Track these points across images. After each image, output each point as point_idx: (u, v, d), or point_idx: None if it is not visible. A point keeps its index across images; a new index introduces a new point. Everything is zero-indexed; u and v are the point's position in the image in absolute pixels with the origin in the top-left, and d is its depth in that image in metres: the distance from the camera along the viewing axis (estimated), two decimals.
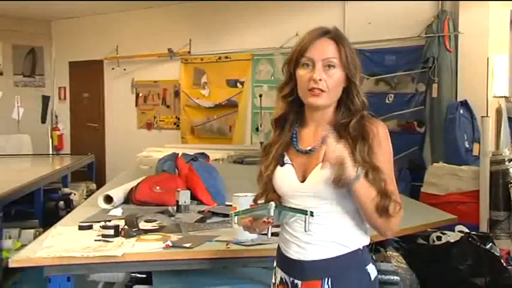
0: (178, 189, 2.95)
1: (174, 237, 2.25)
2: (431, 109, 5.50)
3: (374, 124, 1.52)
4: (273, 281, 1.65)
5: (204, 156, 4.33)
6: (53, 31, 9.06)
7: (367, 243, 1.57)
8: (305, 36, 1.56)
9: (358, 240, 1.54)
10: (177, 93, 7.85)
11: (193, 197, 3.05)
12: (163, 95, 8.01)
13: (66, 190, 5.82)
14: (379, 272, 2.81)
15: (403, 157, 5.35)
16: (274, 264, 1.65)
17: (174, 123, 7.95)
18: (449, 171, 4.80)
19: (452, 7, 5.39)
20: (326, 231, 1.51)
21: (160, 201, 2.99)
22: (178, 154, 3.87)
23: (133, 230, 2.29)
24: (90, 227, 2.42)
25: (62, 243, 2.17)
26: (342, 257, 1.50)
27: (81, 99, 8.92)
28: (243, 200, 2.12)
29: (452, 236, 3.54)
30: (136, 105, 8.27)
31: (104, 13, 8.27)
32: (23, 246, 3.63)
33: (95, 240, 2.21)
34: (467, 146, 5.08)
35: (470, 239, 3.33)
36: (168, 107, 8.01)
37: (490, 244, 3.34)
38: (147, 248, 2.12)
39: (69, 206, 5.35)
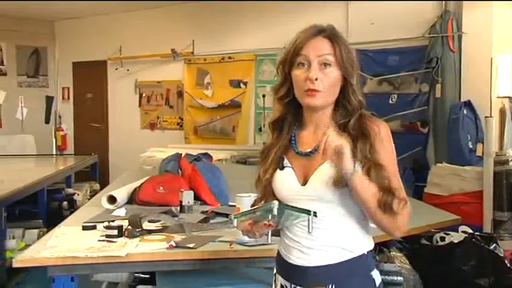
0: (182, 190, 2.95)
1: (178, 237, 2.26)
2: (434, 109, 5.49)
3: (375, 123, 1.47)
4: None
5: (207, 156, 4.34)
6: (57, 32, 9.08)
7: (372, 248, 1.52)
8: (299, 35, 1.51)
9: (363, 245, 1.49)
10: (180, 94, 7.85)
11: (197, 197, 3.06)
12: (167, 95, 8.02)
13: (70, 190, 5.83)
14: (383, 272, 2.82)
15: (406, 157, 5.34)
16: (274, 271, 1.60)
17: (177, 124, 7.95)
18: (452, 172, 4.80)
19: (455, 7, 5.38)
20: (329, 235, 1.46)
21: (163, 202, 2.99)
22: (181, 154, 3.88)
23: (137, 230, 2.30)
24: (93, 227, 2.42)
25: (65, 243, 2.18)
26: (346, 263, 1.45)
27: (84, 100, 8.93)
28: (246, 200, 2.12)
29: (455, 237, 3.54)
30: (140, 105, 8.29)
31: (107, 14, 8.28)
32: (27, 246, 3.66)
33: (99, 241, 2.22)
34: (470, 146, 5.07)
35: (473, 239, 3.33)
36: (171, 107, 8.02)
37: (494, 245, 3.33)
38: (150, 248, 2.12)
39: (73, 206, 5.37)
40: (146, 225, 2.41)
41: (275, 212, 1.35)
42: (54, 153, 8.55)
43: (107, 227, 2.31)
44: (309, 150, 1.51)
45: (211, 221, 2.63)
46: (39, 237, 4.11)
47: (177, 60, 7.69)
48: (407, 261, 3.14)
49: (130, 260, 2.05)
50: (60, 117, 9.10)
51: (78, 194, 5.78)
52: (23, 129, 8.29)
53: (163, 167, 3.73)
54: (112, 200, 2.94)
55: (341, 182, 1.41)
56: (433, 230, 3.45)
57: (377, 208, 1.40)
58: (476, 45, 5.18)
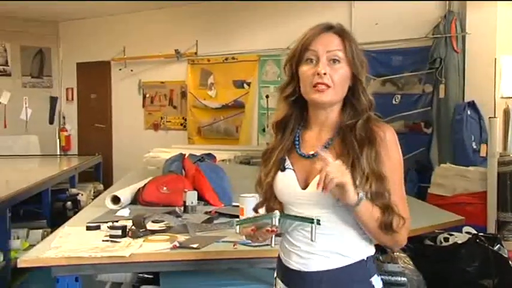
0: (186, 190, 2.96)
1: (182, 237, 2.26)
2: (438, 110, 5.48)
3: (381, 128, 1.43)
4: None
5: (211, 156, 4.35)
6: (61, 32, 9.10)
7: (372, 253, 1.48)
8: (308, 31, 1.47)
9: (363, 250, 1.46)
10: (183, 94, 7.86)
11: (200, 198, 3.06)
12: (170, 95, 8.03)
13: (74, 190, 5.84)
14: (386, 273, 2.81)
15: (410, 158, 5.33)
16: (275, 275, 1.58)
17: (181, 124, 7.96)
18: (456, 172, 4.79)
19: (459, 7, 5.37)
20: (328, 241, 1.42)
21: (167, 202, 2.99)
22: (185, 155, 3.88)
23: (141, 230, 2.30)
24: (97, 228, 2.43)
25: (69, 243, 2.18)
26: (345, 269, 1.42)
27: (88, 100, 8.95)
28: (250, 201, 2.13)
29: (459, 237, 3.52)
30: (143, 106, 8.30)
31: (111, 15, 8.30)
32: (31, 246, 3.67)
33: (103, 241, 2.22)
34: (474, 147, 5.06)
35: (477, 240, 3.32)
36: (175, 107, 8.03)
37: (498, 245, 3.32)
38: (154, 248, 2.13)
39: (77, 207, 5.38)
40: (150, 226, 2.41)
41: (276, 222, 1.35)
42: (58, 153, 8.57)
43: (111, 227, 2.32)
44: (311, 152, 1.46)
45: (215, 222, 2.63)
46: (43, 237, 4.13)
47: (180, 60, 7.70)
48: (411, 262, 3.13)
49: (134, 260, 2.05)
50: (64, 117, 9.12)
51: (82, 194, 5.79)
52: (27, 130, 8.33)
53: (167, 168, 3.73)
54: (116, 200, 2.95)
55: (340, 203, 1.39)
56: (437, 231, 3.44)
57: (377, 228, 1.40)
58: (480, 46, 5.17)
